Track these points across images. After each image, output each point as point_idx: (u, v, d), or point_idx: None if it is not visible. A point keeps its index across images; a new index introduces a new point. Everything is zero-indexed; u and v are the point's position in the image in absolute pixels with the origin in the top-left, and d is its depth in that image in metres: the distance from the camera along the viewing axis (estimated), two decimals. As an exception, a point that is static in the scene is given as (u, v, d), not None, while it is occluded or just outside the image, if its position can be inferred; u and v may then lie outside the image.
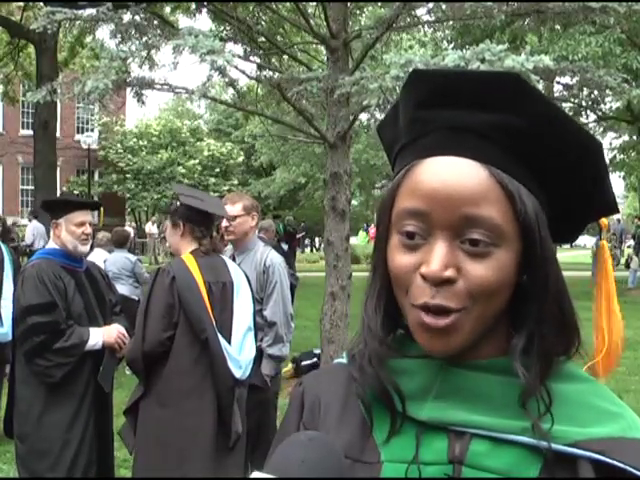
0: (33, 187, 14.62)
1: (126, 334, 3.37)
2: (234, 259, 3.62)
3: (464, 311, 0.70)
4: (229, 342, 2.96)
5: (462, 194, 0.70)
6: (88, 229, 3.33)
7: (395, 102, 0.82)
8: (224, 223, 3.47)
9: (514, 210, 0.71)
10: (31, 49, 14.19)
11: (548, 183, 0.74)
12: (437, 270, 0.69)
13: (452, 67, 3.99)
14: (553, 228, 0.76)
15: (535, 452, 0.70)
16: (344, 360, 0.86)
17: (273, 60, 6.80)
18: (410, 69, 4.05)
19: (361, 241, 25.24)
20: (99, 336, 3.22)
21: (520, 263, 0.72)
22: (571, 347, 0.77)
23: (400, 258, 0.73)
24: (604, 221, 0.82)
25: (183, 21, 11.32)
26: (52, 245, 3.37)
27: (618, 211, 0.80)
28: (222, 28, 6.72)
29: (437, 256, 0.70)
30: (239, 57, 5.84)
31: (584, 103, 16.47)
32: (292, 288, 4.70)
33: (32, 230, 14.36)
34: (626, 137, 20.26)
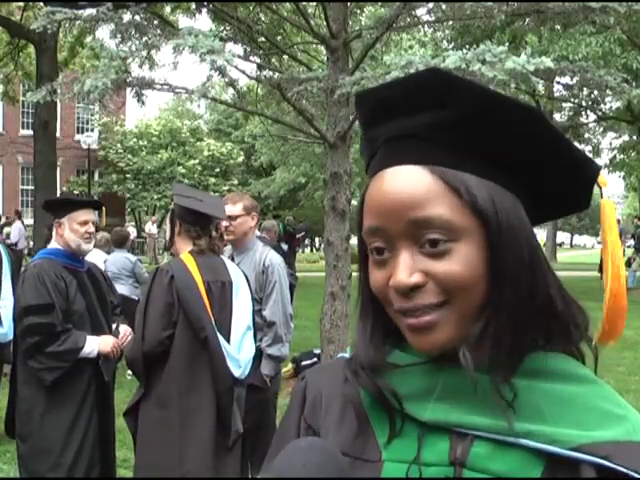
0: (33, 187, 14.62)
1: (129, 335, 3.37)
2: (233, 259, 3.62)
3: (446, 306, 0.71)
4: (228, 341, 2.96)
5: (405, 201, 0.70)
6: (91, 228, 3.32)
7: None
8: (224, 223, 3.47)
9: (463, 202, 0.71)
10: (31, 49, 14.18)
11: (502, 164, 0.73)
12: (402, 279, 0.70)
13: (452, 69, 3.99)
14: (549, 206, 0.77)
15: (537, 455, 0.70)
16: (347, 355, 0.86)
17: (273, 60, 6.80)
18: (411, 70, 4.05)
19: (361, 241, 25.21)
20: (95, 344, 3.20)
21: (488, 252, 0.71)
22: (559, 337, 0.75)
23: (375, 275, 0.75)
24: (602, 180, 0.80)
25: (183, 21, 11.33)
26: (54, 245, 3.36)
27: (598, 167, 0.78)
28: (222, 28, 6.72)
29: (400, 266, 0.71)
30: (239, 57, 5.84)
31: (584, 103, 16.49)
32: (291, 288, 4.70)
33: (17, 230, 14.70)
34: (626, 137, 20.27)
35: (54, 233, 3.36)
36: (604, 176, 0.80)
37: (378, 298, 0.77)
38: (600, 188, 0.81)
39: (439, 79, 0.72)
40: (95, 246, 7.24)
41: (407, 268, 0.71)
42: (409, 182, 0.71)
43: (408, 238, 0.71)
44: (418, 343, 0.73)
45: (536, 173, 0.75)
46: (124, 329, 3.45)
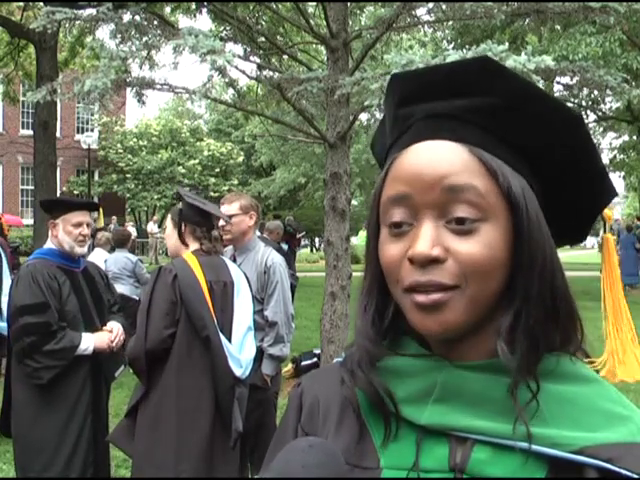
0: (33, 187, 14.61)
1: (121, 334, 3.37)
2: (234, 260, 3.62)
3: (458, 290, 0.69)
4: (230, 341, 2.96)
5: (442, 168, 0.69)
6: (85, 230, 3.32)
7: (382, 118, 0.83)
8: (221, 222, 3.46)
9: (498, 186, 0.70)
10: (31, 49, 14.18)
11: (532, 160, 0.73)
12: (423, 250, 0.68)
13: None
14: (554, 224, 0.75)
15: (540, 459, 0.68)
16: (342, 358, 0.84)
17: (273, 60, 6.80)
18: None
19: (361, 241, 25.25)
20: (90, 341, 3.21)
21: (511, 242, 0.70)
22: (570, 339, 0.74)
23: (389, 248, 0.72)
24: (608, 213, 0.80)
25: (183, 21, 11.34)
26: (49, 245, 3.36)
27: (616, 192, 0.78)
28: (222, 28, 6.72)
29: (423, 236, 0.69)
30: (239, 57, 5.84)
31: (584, 103, 16.49)
32: (292, 288, 4.70)
33: None
34: (626, 137, 20.28)
35: (49, 233, 3.36)
36: (611, 210, 0.80)
37: (386, 277, 0.74)
38: (604, 222, 0.80)
39: (490, 67, 0.72)
40: (96, 245, 7.29)
41: (430, 239, 0.68)
42: (447, 154, 0.70)
43: (435, 209, 0.70)
44: (424, 322, 0.70)
45: (559, 177, 0.75)
46: (116, 327, 3.44)
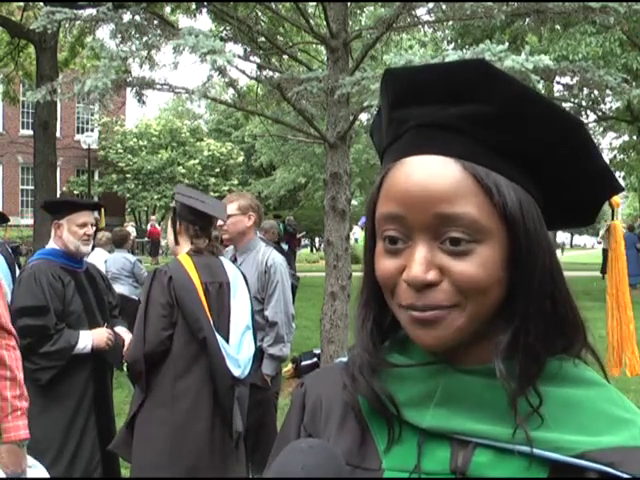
0: (33, 187, 14.59)
1: (114, 335, 3.37)
2: (235, 260, 3.61)
3: (457, 308, 0.69)
4: (227, 341, 2.96)
5: (434, 193, 0.68)
6: (90, 230, 3.33)
7: (379, 109, 0.82)
8: (219, 222, 3.46)
9: (493, 204, 0.68)
10: (31, 49, 14.16)
11: (531, 168, 0.72)
12: (418, 275, 0.68)
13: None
14: (557, 216, 0.74)
15: (541, 463, 0.68)
16: (346, 359, 0.84)
17: (273, 60, 6.80)
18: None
19: (360, 241, 25.25)
20: (88, 339, 3.21)
21: (509, 259, 0.69)
22: (573, 345, 0.74)
23: (384, 263, 0.72)
24: (616, 200, 0.79)
25: (183, 21, 11.35)
26: (52, 245, 3.37)
27: (620, 187, 0.77)
28: (222, 28, 6.72)
29: (417, 260, 0.68)
30: (239, 57, 5.83)
31: (584, 103, 16.49)
32: (293, 288, 4.70)
33: None
34: (626, 137, 20.27)
35: (52, 234, 3.36)
36: (617, 197, 0.79)
37: (382, 288, 0.74)
38: (612, 209, 0.79)
39: (487, 72, 0.69)
40: (96, 245, 7.30)
41: (425, 263, 0.68)
42: (440, 174, 0.68)
43: (429, 232, 0.69)
44: (421, 337, 0.70)
45: (560, 181, 0.74)
46: (127, 336, 3.44)
